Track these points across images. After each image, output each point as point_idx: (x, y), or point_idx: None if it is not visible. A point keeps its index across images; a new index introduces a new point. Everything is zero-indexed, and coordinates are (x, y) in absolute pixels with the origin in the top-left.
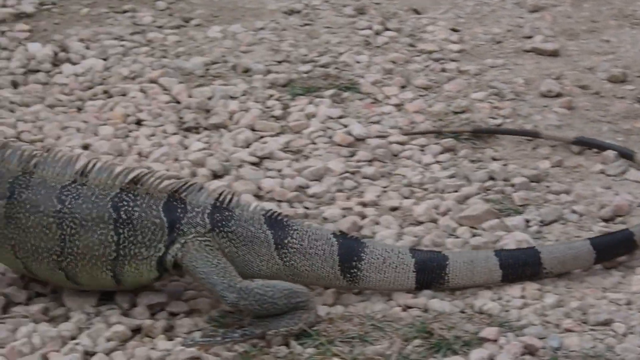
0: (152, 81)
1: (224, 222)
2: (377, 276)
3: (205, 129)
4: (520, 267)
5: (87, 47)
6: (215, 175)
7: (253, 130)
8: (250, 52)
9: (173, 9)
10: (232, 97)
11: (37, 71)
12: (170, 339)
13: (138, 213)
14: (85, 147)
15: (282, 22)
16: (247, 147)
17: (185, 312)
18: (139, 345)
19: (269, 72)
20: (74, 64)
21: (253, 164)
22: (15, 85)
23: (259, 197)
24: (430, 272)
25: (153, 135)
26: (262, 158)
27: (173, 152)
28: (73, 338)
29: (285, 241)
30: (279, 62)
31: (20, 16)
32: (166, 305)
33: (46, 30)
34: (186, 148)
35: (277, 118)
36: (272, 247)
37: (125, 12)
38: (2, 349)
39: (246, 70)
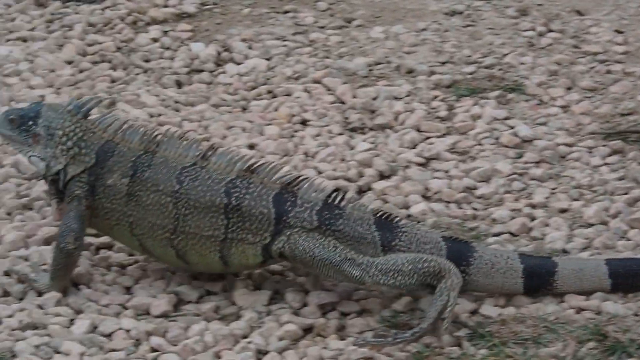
0: (316, 81)
1: (331, 221)
2: (486, 281)
3: (371, 129)
4: (631, 277)
5: (250, 47)
6: (382, 176)
7: (419, 131)
8: (413, 53)
9: (334, 10)
10: (396, 98)
11: (201, 71)
12: (342, 339)
13: (248, 201)
14: (251, 146)
15: (444, 23)
16: (414, 147)
17: (357, 311)
18: (311, 344)
19: (432, 73)
20: (238, 63)
21: (420, 164)
22: (179, 84)
23: (426, 198)
24: (539, 278)
25: (319, 135)
26: (428, 159)
27: (339, 152)
28: (245, 337)
29: (393, 243)
30: (443, 63)
31: (182, 16)
32: (337, 304)
33: (208, 30)
34: (352, 148)
35: (442, 119)
36: (379, 249)
37: (286, 12)
38: (175, 347)
39: (410, 71)
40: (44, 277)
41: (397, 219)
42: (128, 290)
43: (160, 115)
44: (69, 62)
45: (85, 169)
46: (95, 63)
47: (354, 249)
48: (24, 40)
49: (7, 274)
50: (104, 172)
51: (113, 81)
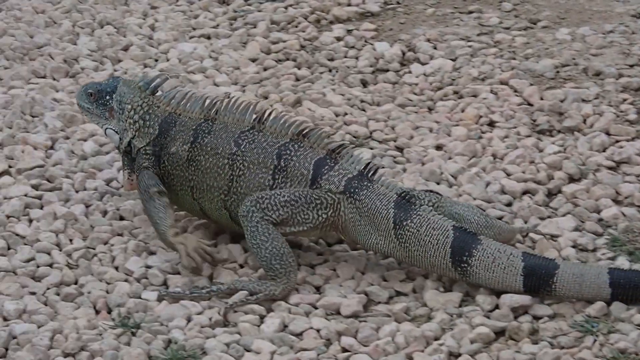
0: (503, 83)
1: (356, 190)
2: (486, 274)
3: (559, 132)
4: (632, 289)
5: (435, 47)
6: (572, 179)
7: (608, 134)
8: (600, 55)
9: (519, 11)
10: (584, 100)
11: (386, 70)
12: (534, 343)
13: (293, 162)
14: (438, 147)
15: (631, 25)
16: (603, 151)
17: (549, 315)
18: (504, 347)
19: (621, 75)
20: (423, 64)
21: (610, 168)
22: (364, 84)
23: (617, 202)
24: (538, 278)
25: (506, 137)
26: (619, 162)
27: (528, 154)
28: (436, 338)
29: (404, 223)
30: (631, 65)
31: (365, 15)
32: (529, 308)
33: (392, 30)
34: (541, 151)
35: (631, 122)
36: (391, 226)
37: (470, 12)
38: (366, 347)
39: (597, 74)
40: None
41: (419, 202)
42: (318, 289)
43: (346, 114)
44: (253, 60)
45: (149, 140)
46: (279, 61)
47: (370, 221)
48: (208, 37)
49: None
50: (167, 141)
51: (298, 79)
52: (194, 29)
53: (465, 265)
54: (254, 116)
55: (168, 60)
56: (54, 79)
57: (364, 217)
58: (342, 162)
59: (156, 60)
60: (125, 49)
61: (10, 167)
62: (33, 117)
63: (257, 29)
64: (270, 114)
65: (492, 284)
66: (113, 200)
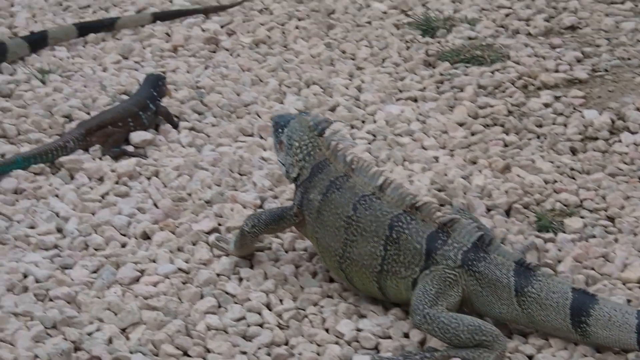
0: None
1: (474, 262)
2: (604, 333)
3: None
4: None
5: None
6: None
7: None
8: None
9: None
10: None
11: (596, 139)
12: None
13: (406, 235)
14: None
15: None
16: None
17: None
18: None
19: None
20: (633, 132)
21: None
22: (573, 151)
23: None
24: None
25: None
26: None
27: None
28: None
29: (525, 290)
30: None
31: (573, 82)
32: None
33: (600, 97)
34: None
35: None
36: (512, 293)
37: None
38: None
39: None
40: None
41: (537, 268)
42: (530, 359)
43: (555, 182)
44: (461, 124)
45: (302, 181)
46: (487, 126)
47: (492, 291)
48: (415, 100)
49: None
50: (311, 185)
51: (506, 145)
52: (401, 91)
53: (585, 325)
54: (379, 182)
55: (375, 122)
56: (261, 137)
57: (485, 288)
58: (455, 235)
59: (363, 122)
60: (332, 109)
61: (219, 224)
62: (241, 175)
63: (464, 92)
64: (391, 182)
65: (610, 343)
66: (322, 262)
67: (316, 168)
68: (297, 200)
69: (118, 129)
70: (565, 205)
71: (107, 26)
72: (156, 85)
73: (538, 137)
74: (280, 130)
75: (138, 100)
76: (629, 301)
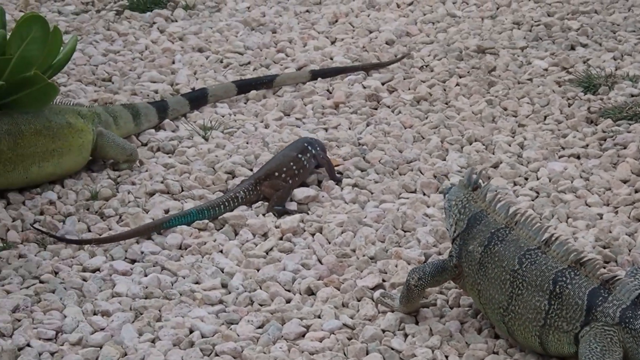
0: None
1: (632, 320)
2: None
3: None
4: None
5: None
6: None
7: None
8: None
9: None
10: None
11: None
12: None
13: (568, 290)
14: None
15: None
16: None
17: None
18: None
19: None
20: None
21: None
22: None
23: None
24: None
25: None
26: None
27: None
28: None
29: None
30: None
31: None
32: None
33: None
34: None
35: None
36: None
37: None
38: None
39: None
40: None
41: None
42: None
43: None
44: (625, 181)
45: (459, 233)
46: None
47: None
48: (577, 157)
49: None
50: (469, 237)
51: None
52: (563, 148)
53: None
54: (545, 236)
55: (538, 179)
56: (425, 194)
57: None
58: (616, 292)
59: (526, 179)
60: (495, 166)
61: (384, 280)
62: (405, 231)
63: (628, 150)
64: (557, 237)
65: None
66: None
67: (473, 219)
68: (456, 252)
69: (284, 180)
70: None
71: (266, 83)
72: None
73: None
74: (445, 197)
75: (296, 145)
76: None
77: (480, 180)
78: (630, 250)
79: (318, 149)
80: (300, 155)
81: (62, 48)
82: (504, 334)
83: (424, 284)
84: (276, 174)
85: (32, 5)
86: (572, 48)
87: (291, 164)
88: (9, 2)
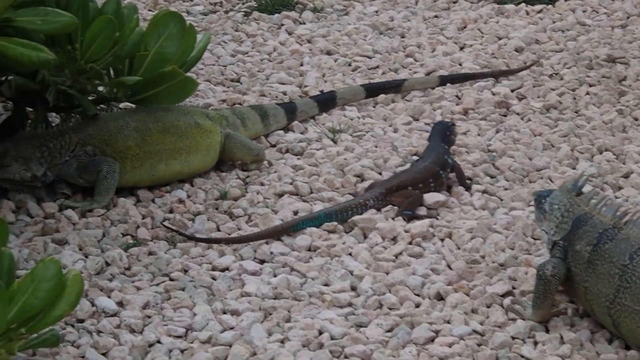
0: None
1: None
2: None
3: None
4: None
5: None
6: None
7: None
8: None
9: None
10: None
11: None
12: None
13: None
14: None
15: None
16: None
17: None
18: None
19: None
20: None
21: None
22: None
23: None
24: None
25: None
26: None
27: None
28: None
29: None
30: None
31: None
32: None
33: None
34: None
35: None
36: None
37: None
38: None
39: None
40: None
41: None
42: None
43: None
44: None
45: (563, 235)
46: None
47: None
48: None
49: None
50: (575, 238)
51: None
52: None
53: None
54: None
55: None
56: None
57: None
58: None
59: None
60: (626, 176)
61: (513, 288)
62: (535, 239)
63: None
64: None
65: None
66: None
67: (577, 221)
68: (561, 253)
69: (417, 191)
70: None
71: (394, 87)
72: (445, 135)
73: None
74: (543, 201)
75: (438, 158)
76: None
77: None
78: None
79: (452, 156)
80: (441, 172)
81: (195, 45)
82: (608, 325)
83: (559, 273)
84: (410, 187)
85: (160, 5)
86: None
87: (430, 180)
88: (137, 2)
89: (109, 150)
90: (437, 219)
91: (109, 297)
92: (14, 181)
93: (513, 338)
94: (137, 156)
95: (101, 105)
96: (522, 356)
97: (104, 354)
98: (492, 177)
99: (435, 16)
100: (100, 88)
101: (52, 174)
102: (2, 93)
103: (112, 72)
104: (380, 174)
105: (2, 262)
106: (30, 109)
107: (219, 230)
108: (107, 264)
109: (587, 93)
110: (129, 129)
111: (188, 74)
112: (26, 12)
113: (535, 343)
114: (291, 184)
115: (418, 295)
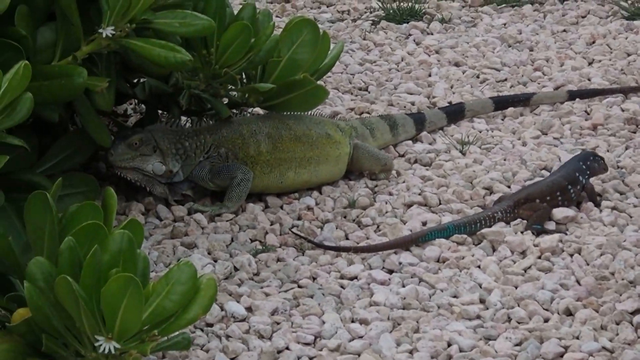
0: None
1: None
2: None
3: None
4: None
5: None
6: None
7: None
8: None
9: None
10: None
11: None
12: None
13: None
14: None
15: None
16: None
17: None
18: None
19: None
20: None
21: None
22: None
23: None
24: None
25: None
26: None
27: None
28: None
29: None
30: None
31: None
32: None
33: None
34: None
35: None
36: None
37: None
38: None
39: None
40: None
41: None
42: None
43: None
44: None
45: None
46: None
47: None
48: None
49: None
50: None
51: None
52: None
53: None
54: None
55: None
56: None
57: None
58: None
59: None
60: None
61: None
62: None
63: None
64: None
65: None
66: None
67: None
68: None
69: (545, 204)
70: None
71: (523, 101)
72: (587, 160)
73: None
74: None
75: (568, 173)
76: None
77: None
78: None
79: (587, 177)
80: (570, 187)
81: (328, 53)
82: None
83: None
84: (537, 200)
85: (288, 12)
86: None
87: (557, 193)
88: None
89: (241, 154)
90: (566, 234)
91: (238, 302)
92: (144, 173)
93: None
94: (268, 162)
95: (233, 110)
96: None
97: (232, 359)
98: (621, 193)
99: (564, 30)
100: (233, 92)
101: (183, 173)
102: (136, 95)
103: (244, 77)
104: (509, 187)
105: (138, 264)
106: (162, 112)
107: (347, 238)
108: (236, 269)
109: None
110: (262, 135)
111: (318, 82)
112: (164, 15)
113: None
114: (420, 194)
115: (547, 310)
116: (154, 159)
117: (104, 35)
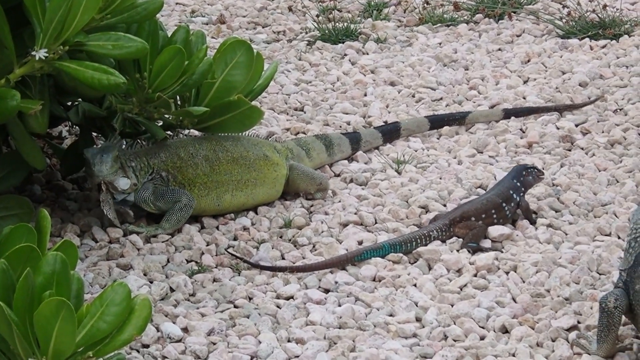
0: None
1: None
2: None
3: None
4: None
5: None
6: None
7: None
8: None
9: None
10: None
11: None
12: None
13: None
14: None
15: None
16: None
17: None
18: None
19: None
20: None
21: None
22: None
23: None
24: None
25: None
26: None
27: None
28: None
29: None
30: None
31: None
32: None
33: None
34: None
35: None
36: None
37: None
38: None
39: None
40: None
41: None
42: None
43: None
44: None
45: (625, 268)
46: None
47: None
48: None
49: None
50: (636, 276)
51: None
52: None
53: None
54: None
55: None
56: (619, 237)
57: None
58: None
59: None
60: None
61: (578, 322)
62: (600, 274)
63: None
64: None
65: None
66: None
67: (639, 258)
68: (623, 285)
69: (481, 222)
70: None
71: (458, 120)
72: (521, 175)
73: None
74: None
75: (502, 191)
76: None
77: None
78: None
79: (522, 195)
80: (504, 205)
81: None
82: None
83: (621, 304)
84: (473, 218)
85: (223, 33)
86: None
87: (492, 211)
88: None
89: (179, 177)
90: (502, 251)
91: (174, 322)
92: (116, 189)
93: None
94: (205, 185)
95: (168, 132)
96: None
97: None
98: (556, 211)
99: (499, 49)
100: (167, 115)
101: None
102: (69, 118)
103: (179, 99)
104: (444, 205)
105: (72, 285)
106: (96, 134)
107: (283, 258)
108: (172, 290)
109: None
110: (199, 157)
111: (253, 102)
112: (97, 37)
113: None
114: (355, 213)
115: (483, 327)
116: (120, 174)
117: (37, 58)
